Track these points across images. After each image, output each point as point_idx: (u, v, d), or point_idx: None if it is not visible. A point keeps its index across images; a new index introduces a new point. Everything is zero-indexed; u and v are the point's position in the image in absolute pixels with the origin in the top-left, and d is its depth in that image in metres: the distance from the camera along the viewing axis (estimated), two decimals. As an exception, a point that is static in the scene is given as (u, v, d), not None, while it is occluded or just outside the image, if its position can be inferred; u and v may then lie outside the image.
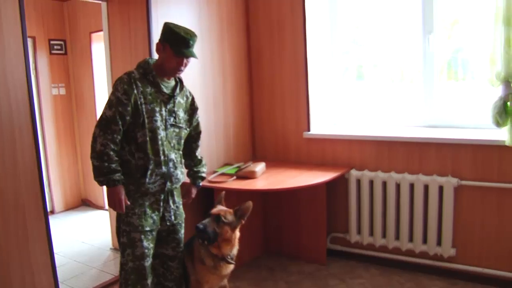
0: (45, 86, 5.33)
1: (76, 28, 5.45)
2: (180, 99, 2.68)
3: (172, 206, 2.70)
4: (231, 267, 2.80)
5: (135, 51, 3.37)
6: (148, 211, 2.57)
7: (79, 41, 5.45)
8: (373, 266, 3.67)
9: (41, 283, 2.75)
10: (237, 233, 2.75)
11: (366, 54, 4.01)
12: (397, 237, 3.54)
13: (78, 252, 4.33)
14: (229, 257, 2.72)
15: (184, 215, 2.81)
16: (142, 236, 2.54)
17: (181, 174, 2.71)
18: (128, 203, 2.48)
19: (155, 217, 2.60)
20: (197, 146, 2.94)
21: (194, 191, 2.95)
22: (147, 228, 2.56)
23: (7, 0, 2.52)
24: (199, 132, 2.94)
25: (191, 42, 2.52)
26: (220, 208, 2.75)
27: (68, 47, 5.52)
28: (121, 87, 2.43)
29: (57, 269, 2.85)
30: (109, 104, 2.42)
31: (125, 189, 2.49)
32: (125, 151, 2.50)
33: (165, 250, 2.75)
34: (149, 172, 2.50)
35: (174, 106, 2.61)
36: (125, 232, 2.56)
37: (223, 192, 2.93)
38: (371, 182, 3.57)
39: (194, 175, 2.92)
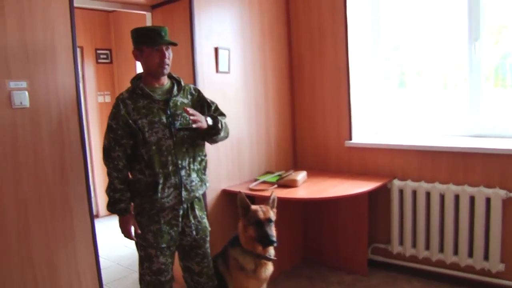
0: (91, 94, 5.50)
1: (121, 37, 5.60)
2: (182, 100, 2.57)
3: (192, 221, 2.62)
4: (271, 269, 2.77)
5: (178, 60, 3.41)
6: (165, 227, 2.52)
7: (124, 50, 5.60)
8: (415, 278, 3.57)
9: (86, 284, 2.81)
10: None
11: (408, 61, 3.92)
12: (441, 249, 3.42)
13: (121, 256, 4.42)
14: (269, 254, 2.71)
15: (208, 229, 2.73)
16: (158, 253, 2.52)
17: (200, 181, 2.60)
18: (139, 231, 2.50)
19: (172, 233, 2.55)
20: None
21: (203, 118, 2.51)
22: (163, 245, 2.52)
23: (60, 13, 2.61)
24: (222, 116, 2.73)
25: (162, 32, 2.45)
26: (259, 207, 2.69)
27: (114, 56, 5.68)
28: (111, 113, 2.47)
29: (101, 271, 2.90)
30: (105, 133, 2.47)
31: (140, 207, 2.51)
32: (135, 171, 2.50)
33: (191, 264, 2.70)
34: (160, 187, 2.44)
35: (177, 109, 2.53)
36: (142, 246, 2.56)
37: (272, 192, 2.89)
38: (414, 193, 3.48)
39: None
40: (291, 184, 3.50)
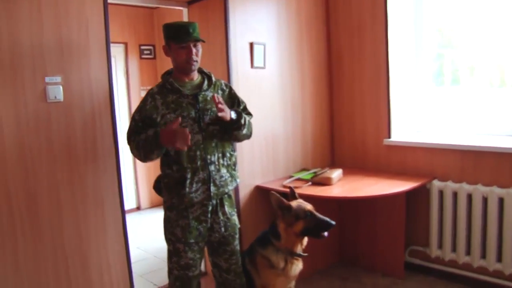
0: (135, 88, 5.61)
1: (165, 33, 5.66)
2: (211, 95, 2.50)
3: (221, 217, 2.58)
4: (300, 267, 2.74)
5: (213, 56, 3.41)
6: (193, 223, 2.50)
7: (167, 46, 5.65)
8: (455, 284, 3.39)
9: (116, 274, 2.86)
10: None
11: (462, 57, 3.68)
12: (483, 255, 3.23)
13: (158, 248, 4.47)
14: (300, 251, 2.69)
15: (238, 226, 2.68)
16: (187, 248, 2.51)
17: (230, 177, 2.56)
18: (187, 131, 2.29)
19: (201, 229, 2.52)
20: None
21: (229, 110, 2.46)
22: (191, 240, 2.50)
23: (94, 10, 2.66)
24: (248, 115, 2.71)
25: (190, 28, 2.41)
26: (298, 201, 2.67)
27: (157, 52, 5.76)
28: (138, 106, 2.48)
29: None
30: (129, 123, 2.49)
31: (169, 202, 2.50)
32: (164, 165, 2.50)
33: (219, 261, 2.67)
34: (188, 182, 2.42)
35: (206, 104, 2.49)
36: (171, 241, 2.55)
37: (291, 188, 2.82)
38: (455, 194, 3.30)
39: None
40: (326, 182, 3.41)
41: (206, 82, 2.54)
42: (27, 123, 2.45)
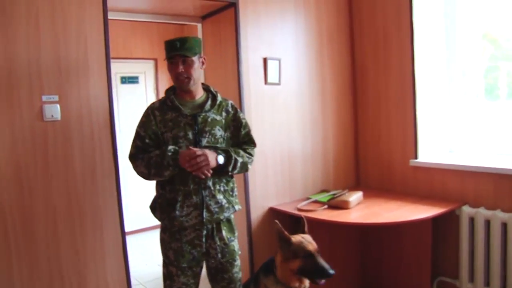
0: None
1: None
2: (214, 116, 2.39)
3: (218, 243, 2.41)
4: None
5: (225, 72, 3.29)
6: (186, 247, 2.36)
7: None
8: (489, 322, 3.03)
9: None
10: None
11: (505, 70, 3.33)
12: (520, 292, 2.87)
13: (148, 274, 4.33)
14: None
15: (238, 252, 2.50)
16: (179, 272, 2.37)
17: (227, 203, 2.39)
18: (196, 150, 2.20)
19: (195, 253, 2.37)
20: (243, 149, 2.50)
21: (209, 154, 2.24)
22: (184, 265, 2.36)
23: (93, 27, 2.60)
24: (249, 144, 2.55)
25: (177, 43, 2.27)
26: (301, 237, 2.42)
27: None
28: (140, 120, 2.37)
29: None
30: (132, 140, 2.38)
31: (162, 224, 2.39)
32: (158, 184, 2.39)
33: None
34: (178, 205, 2.29)
35: (206, 125, 2.35)
36: (164, 263, 2.43)
37: (303, 218, 2.58)
38: (487, 222, 2.96)
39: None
40: (343, 206, 3.17)
41: (209, 102, 2.40)
42: (23, 142, 2.41)
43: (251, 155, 2.53)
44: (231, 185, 2.47)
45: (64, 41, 2.52)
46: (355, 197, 3.24)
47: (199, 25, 3.47)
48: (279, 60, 3.34)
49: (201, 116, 2.34)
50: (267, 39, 3.29)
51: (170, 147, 2.26)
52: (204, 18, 3.42)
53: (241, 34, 3.13)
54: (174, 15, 3.32)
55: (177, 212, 2.29)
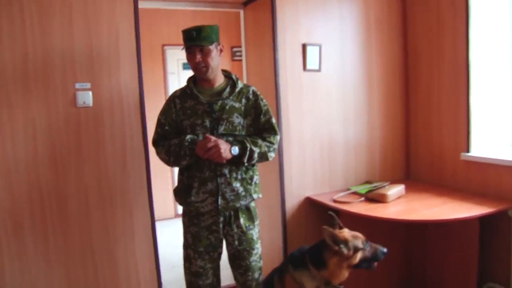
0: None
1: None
2: (233, 103, 2.36)
3: (235, 230, 2.41)
4: None
5: (262, 59, 3.23)
6: (204, 232, 2.39)
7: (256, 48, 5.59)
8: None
9: (144, 278, 2.87)
10: None
11: None
12: None
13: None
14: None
15: (257, 242, 2.48)
16: (196, 255, 2.41)
17: (244, 191, 2.36)
18: (210, 139, 2.19)
19: (212, 239, 2.40)
20: (262, 138, 2.43)
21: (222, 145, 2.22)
22: (201, 249, 2.39)
23: (124, 16, 2.69)
24: (270, 132, 2.46)
25: (194, 33, 2.25)
26: (347, 232, 2.35)
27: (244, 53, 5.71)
28: (162, 108, 2.41)
29: (160, 266, 2.91)
30: (155, 126, 2.43)
31: (183, 208, 2.45)
32: (179, 170, 2.43)
33: (236, 274, 2.53)
34: (194, 191, 2.32)
35: (223, 113, 2.32)
36: (184, 245, 2.48)
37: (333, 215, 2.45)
38: (542, 227, 2.62)
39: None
40: (380, 199, 2.99)
41: (228, 89, 2.38)
42: (58, 127, 2.58)
43: (272, 143, 2.45)
44: (250, 173, 2.44)
45: (96, 31, 2.63)
46: (394, 190, 3.03)
47: (241, 12, 3.42)
48: (320, 46, 3.20)
49: (218, 104, 2.33)
50: (306, 25, 3.16)
51: (188, 137, 2.29)
52: (245, 4, 3.37)
53: (277, 18, 3.04)
54: (214, 2, 3.31)
55: (192, 198, 2.33)
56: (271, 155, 2.45)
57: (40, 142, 2.55)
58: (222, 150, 2.20)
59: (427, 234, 3.30)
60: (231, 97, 2.37)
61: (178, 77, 5.22)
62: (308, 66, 3.18)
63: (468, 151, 3.09)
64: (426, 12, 3.32)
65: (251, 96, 2.44)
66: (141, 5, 3.08)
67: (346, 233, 2.33)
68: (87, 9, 2.60)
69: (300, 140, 3.19)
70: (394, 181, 3.39)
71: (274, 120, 2.50)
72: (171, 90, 5.23)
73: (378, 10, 3.41)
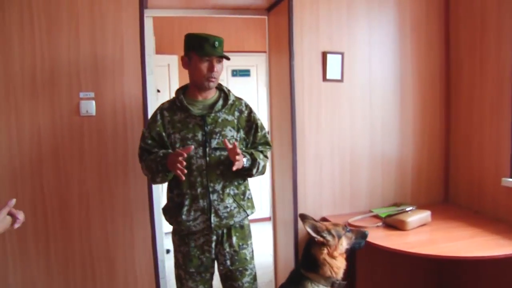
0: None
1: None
2: (225, 116, 2.23)
3: (227, 249, 2.26)
4: None
5: (280, 67, 3.03)
6: (195, 251, 2.26)
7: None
8: None
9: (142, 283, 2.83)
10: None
11: None
12: None
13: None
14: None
15: (251, 262, 2.33)
16: (187, 276, 2.28)
17: (237, 207, 2.23)
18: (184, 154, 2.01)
19: (204, 259, 2.26)
20: (260, 152, 2.33)
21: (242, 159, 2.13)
22: (192, 269, 2.26)
23: (129, 26, 2.65)
24: (265, 146, 2.37)
25: (216, 42, 2.13)
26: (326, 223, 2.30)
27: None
28: (148, 122, 2.28)
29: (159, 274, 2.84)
30: (140, 140, 2.30)
31: (173, 227, 2.33)
32: (168, 187, 2.29)
33: None
34: (185, 209, 2.18)
35: (216, 126, 2.18)
36: (175, 265, 2.35)
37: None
38: None
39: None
40: (399, 226, 2.65)
41: (220, 102, 2.25)
42: (61, 135, 2.61)
43: (267, 157, 2.37)
44: (242, 188, 2.30)
45: (102, 41, 2.63)
46: (416, 217, 2.66)
47: (266, 18, 3.24)
48: (342, 54, 2.92)
49: (211, 117, 2.20)
50: (327, 31, 2.89)
51: (161, 152, 2.17)
52: (269, 10, 3.18)
53: (294, 24, 2.83)
54: (238, 9, 3.16)
55: (183, 217, 2.20)
56: (265, 168, 2.36)
57: (45, 149, 2.60)
58: (241, 157, 2.10)
59: (459, 270, 2.86)
60: (223, 110, 2.24)
61: (227, 83, 5.15)
62: (329, 76, 2.91)
63: (511, 176, 2.62)
64: (470, 18, 2.88)
65: (243, 109, 2.32)
66: (163, 13, 3.07)
67: (326, 223, 2.27)
68: (93, 20, 2.61)
69: (316, 156, 2.94)
70: (429, 205, 3.01)
71: (268, 135, 2.40)
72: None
73: (414, 15, 3.03)
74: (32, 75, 2.55)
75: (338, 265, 2.19)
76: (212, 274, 2.35)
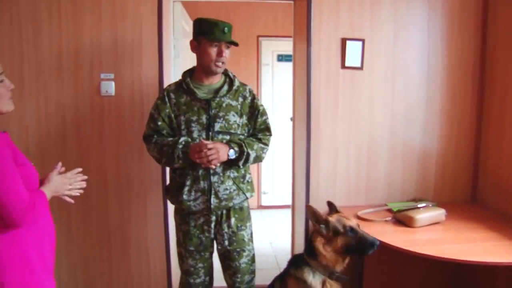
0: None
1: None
2: (229, 101, 2.24)
3: (226, 230, 2.29)
4: None
5: (300, 54, 2.94)
6: (195, 230, 2.30)
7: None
8: None
9: (154, 259, 2.93)
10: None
11: None
12: None
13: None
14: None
15: (249, 243, 2.34)
16: (187, 254, 2.33)
17: (236, 189, 2.24)
18: (207, 143, 2.08)
19: (203, 239, 2.30)
20: (258, 139, 2.32)
21: (221, 149, 2.12)
22: (191, 248, 2.31)
23: (148, 10, 2.72)
24: (265, 133, 2.35)
25: (226, 28, 2.17)
26: (338, 215, 2.23)
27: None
28: (155, 103, 2.29)
29: (170, 252, 2.93)
30: (147, 122, 2.32)
31: (174, 206, 2.37)
32: (171, 169, 2.34)
33: (225, 276, 2.41)
34: (186, 189, 2.21)
35: (219, 110, 2.19)
36: (177, 243, 2.41)
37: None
38: None
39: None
40: (407, 222, 2.51)
41: (226, 87, 2.27)
42: (83, 113, 2.77)
43: (266, 144, 2.35)
44: (242, 171, 2.31)
45: (122, 25, 2.73)
46: (427, 214, 2.50)
47: (292, 3, 3.15)
48: (363, 41, 2.78)
49: (216, 101, 2.22)
50: (347, 17, 2.77)
51: (182, 139, 2.20)
52: (295, -6, 3.09)
53: (313, 9, 2.75)
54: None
55: (184, 196, 2.24)
56: (264, 156, 2.36)
57: (68, 126, 2.76)
58: (220, 153, 2.10)
59: (475, 275, 2.65)
60: (228, 95, 2.26)
61: (272, 68, 5.10)
62: (348, 63, 2.80)
63: (535, 177, 2.37)
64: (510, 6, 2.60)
65: (247, 95, 2.32)
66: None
67: (334, 216, 2.22)
68: (114, 5, 2.71)
69: (331, 144, 2.85)
70: (453, 204, 2.84)
71: (269, 121, 2.36)
72: (264, 82, 5.18)
73: (447, 1, 2.80)
74: (59, 58, 2.72)
75: (331, 259, 2.15)
76: (211, 253, 2.39)
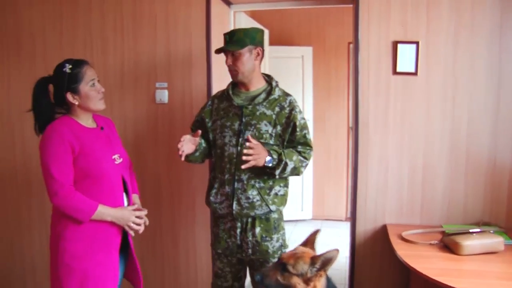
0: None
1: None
2: (264, 110, 2.20)
3: (250, 238, 2.23)
4: None
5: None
6: (223, 234, 2.30)
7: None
8: None
9: (200, 257, 2.97)
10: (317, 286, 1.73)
11: None
12: None
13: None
14: None
15: (274, 256, 2.21)
16: (216, 256, 2.38)
17: (260, 200, 2.18)
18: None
19: (230, 243, 2.28)
20: (298, 152, 2.23)
21: (262, 150, 2.10)
22: (219, 251, 2.33)
23: (197, 24, 2.78)
24: (305, 147, 2.24)
25: (227, 37, 2.22)
26: (294, 252, 1.82)
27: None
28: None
29: None
30: None
31: None
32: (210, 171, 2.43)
33: (252, 284, 2.36)
34: (213, 191, 2.28)
35: (252, 118, 2.16)
36: (210, 243, 2.44)
37: (318, 231, 1.90)
38: None
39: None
40: (453, 248, 2.17)
41: (262, 96, 2.25)
42: (141, 119, 2.94)
43: (306, 159, 2.25)
44: (269, 183, 2.24)
45: (174, 38, 2.84)
46: (478, 242, 2.13)
47: (352, 7, 2.93)
48: (417, 44, 2.47)
49: (249, 109, 2.22)
50: (399, 17, 2.50)
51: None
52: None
53: (361, 10, 2.55)
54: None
55: (211, 198, 2.32)
56: (302, 170, 2.28)
57: (130, 131, 2.95)
58: (260, 156, 2.08)
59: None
60: (264, 103, 2.22)
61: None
62: (400, 68, 2.52)
63: None
64: None
65: (286, 106, 2.23)
66: (242, 8, 3.11)
67: (289, 252, 1.83)
68: (167, 18, 2.83)
69: (381, 157, 2.60)
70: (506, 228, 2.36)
71: (310, 136, 2.27)
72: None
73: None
74: (121, 69, 2.92)
75: None
76: (239, 260, 2.34)
